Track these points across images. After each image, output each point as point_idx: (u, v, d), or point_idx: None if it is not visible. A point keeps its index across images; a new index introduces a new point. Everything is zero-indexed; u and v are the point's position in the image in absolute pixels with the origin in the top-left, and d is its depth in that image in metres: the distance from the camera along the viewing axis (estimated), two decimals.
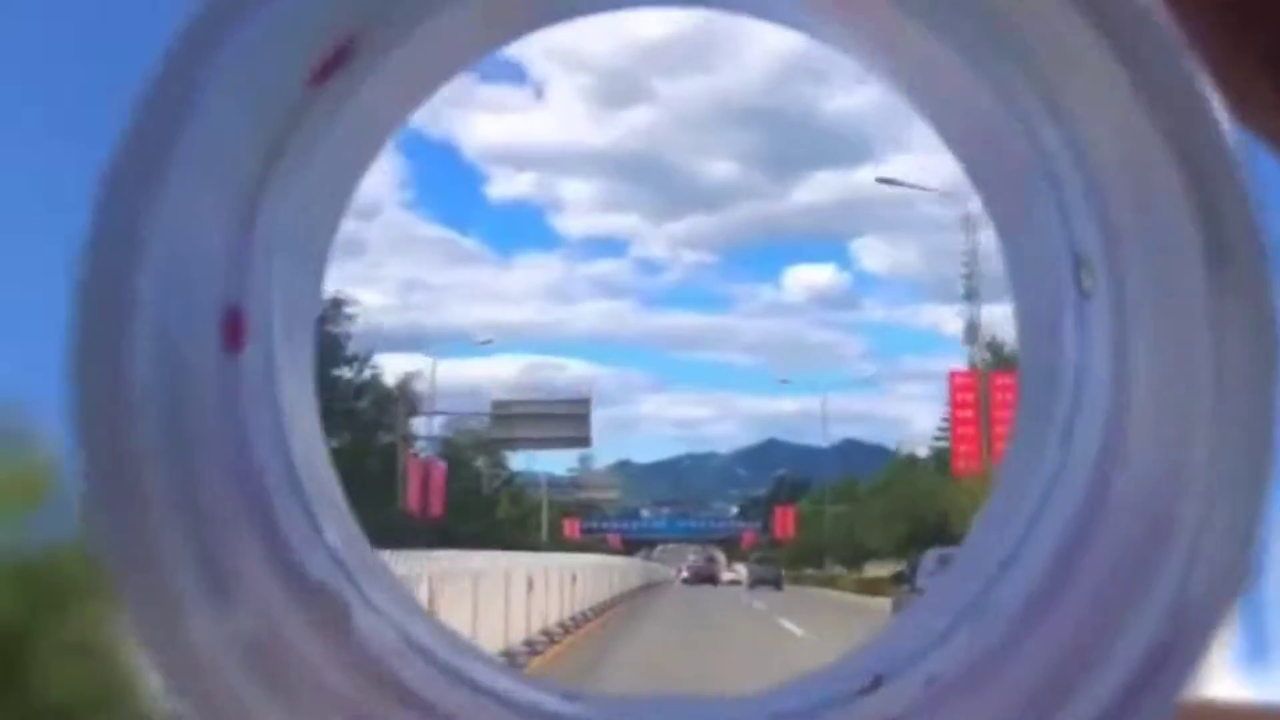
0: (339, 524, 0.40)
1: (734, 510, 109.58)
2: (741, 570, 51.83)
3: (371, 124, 0.41)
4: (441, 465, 34.43)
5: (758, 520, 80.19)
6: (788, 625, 19.77)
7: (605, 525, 73.80)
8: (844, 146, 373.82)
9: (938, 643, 0.35)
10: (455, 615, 9.83)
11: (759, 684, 0.36)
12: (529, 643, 13.38)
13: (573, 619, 17.71)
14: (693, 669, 11.76)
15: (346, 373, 32.91)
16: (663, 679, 10.73)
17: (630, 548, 63.70)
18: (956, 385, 32.31)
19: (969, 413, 30.96)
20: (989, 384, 29.21)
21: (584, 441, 38.19)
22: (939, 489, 34.14)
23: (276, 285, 0.38)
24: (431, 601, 9.56)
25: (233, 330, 0.32)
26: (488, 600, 11.66)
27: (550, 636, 14.83)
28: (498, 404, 37.80)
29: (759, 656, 13.45)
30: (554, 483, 59.04)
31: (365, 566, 0.39)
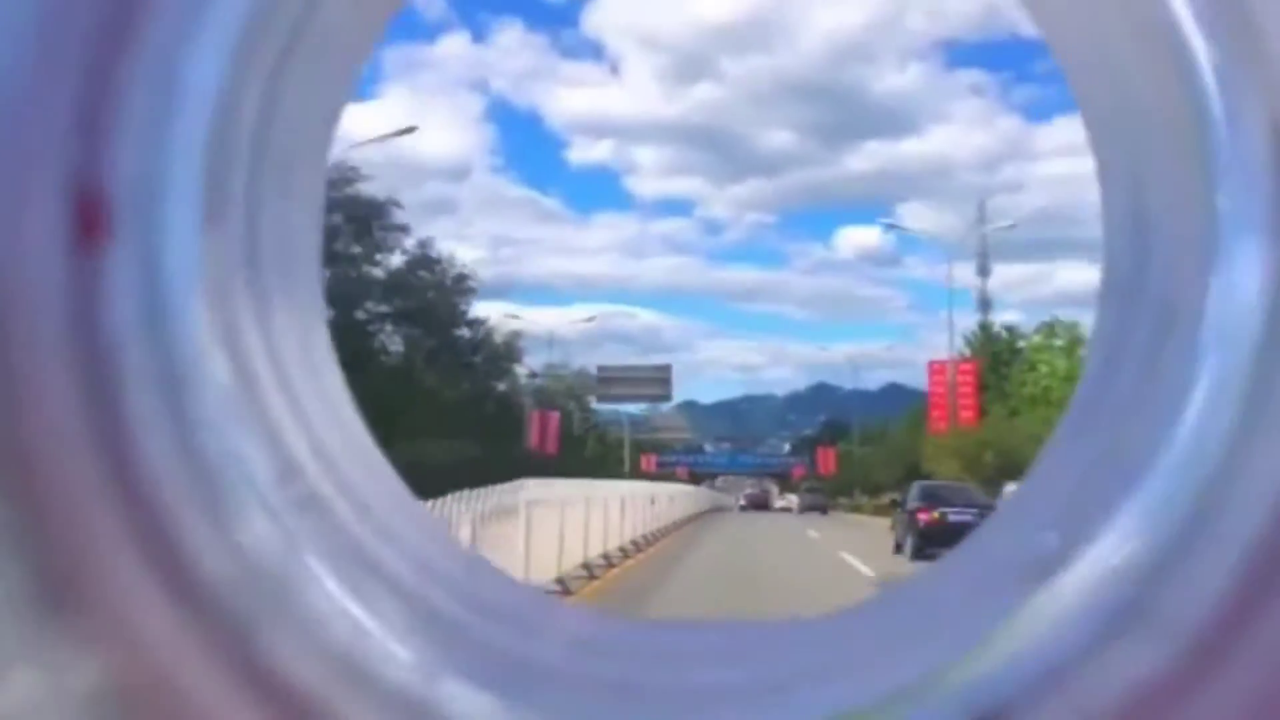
0: (365, 475, 0.40)
1: (786, 448, 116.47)
2: (792, 499, 59.52)
3: (341, 47, 0.39)
4: (556, 414, 42.74)
5: (806, 456, 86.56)
6: (810, 533, 28.88)
7: (676, 459, 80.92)
8: (890, 120, 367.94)
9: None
10: (581, 525, 13.72)
11: (782, 565, 2.49)
12: (622, 549, 17.66)
13: (655, 533, 22.63)
14: (743, 559, 18.34)
15: (466, 333, 39.77)
16: (724, 567, 16.79)
17: (696, 479, 70.69)
18: (933, 370, 44.11)
19: (941, 390, 42.51)
20: (955, 370, 41.85)
21: (666, 398, 48.22)
22: (917, 440, 43.14)
23: (267, 221, 0.36)
24: (563, 512, 12.79)
25: (87, 219, 0.26)
26: (596, 516, 15.55)
27: (637, 545, 19.41)
28: (602, 368, 47.23)
29: (787, 549, 21.19)
30: (633, 421, 66.32)
31: (383, 523, 0.37)
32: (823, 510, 50.45)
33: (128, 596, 0.25)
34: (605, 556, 15.85)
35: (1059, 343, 40.31)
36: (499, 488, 10.75)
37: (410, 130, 33.44)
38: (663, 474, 60.38)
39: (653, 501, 20.15)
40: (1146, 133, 0.40)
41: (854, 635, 0.42)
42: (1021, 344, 45.29)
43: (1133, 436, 0.37)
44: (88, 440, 0.26)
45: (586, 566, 14.25)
